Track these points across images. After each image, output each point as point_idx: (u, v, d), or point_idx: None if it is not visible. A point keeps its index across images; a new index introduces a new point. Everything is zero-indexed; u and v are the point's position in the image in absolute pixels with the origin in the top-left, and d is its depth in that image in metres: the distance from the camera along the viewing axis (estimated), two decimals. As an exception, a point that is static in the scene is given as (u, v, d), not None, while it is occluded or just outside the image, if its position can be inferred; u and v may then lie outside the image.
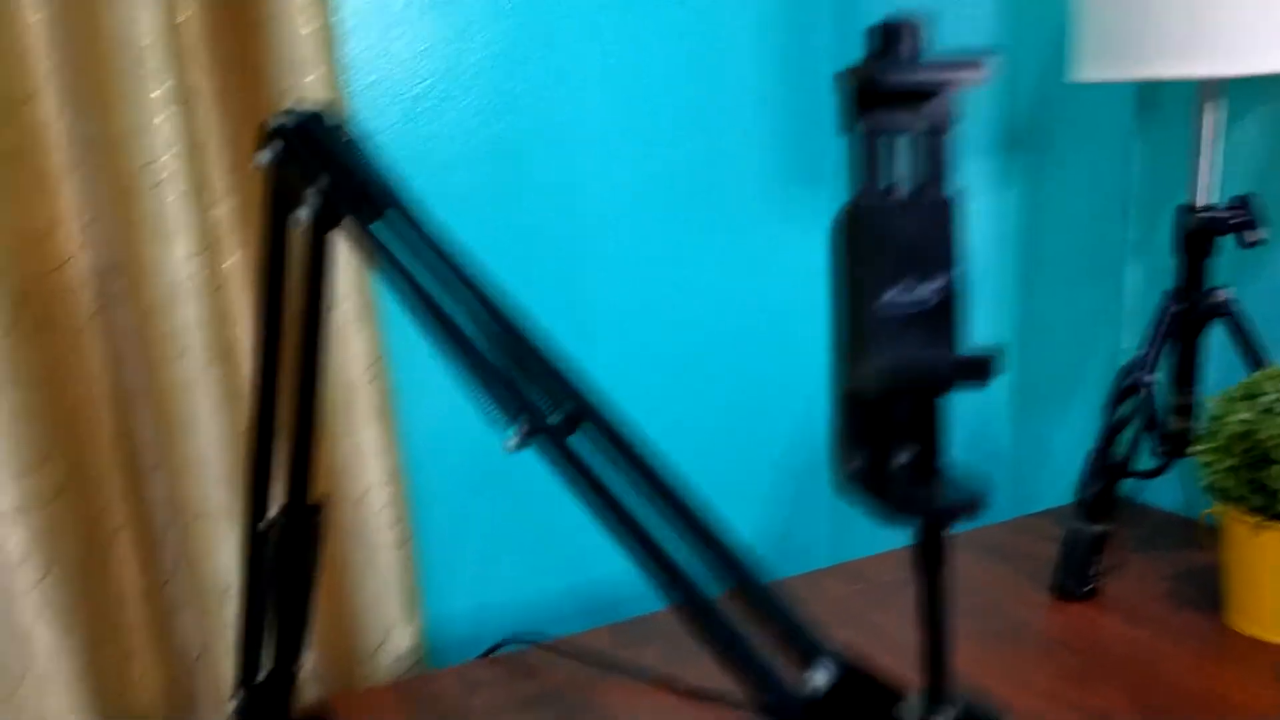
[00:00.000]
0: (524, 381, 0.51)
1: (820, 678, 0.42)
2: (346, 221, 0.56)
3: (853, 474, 0.40)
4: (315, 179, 0.57)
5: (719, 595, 0.46)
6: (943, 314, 0.38)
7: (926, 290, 0.37)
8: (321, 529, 0.69)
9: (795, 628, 0.43)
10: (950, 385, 0.38)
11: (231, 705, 0.74)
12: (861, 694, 0.42)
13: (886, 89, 0.36)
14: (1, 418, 0.90)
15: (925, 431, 0.40)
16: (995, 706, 0.41)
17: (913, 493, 0.39)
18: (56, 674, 0.97)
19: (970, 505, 0.38)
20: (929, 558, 0.40)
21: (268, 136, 0.60)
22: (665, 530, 0.48)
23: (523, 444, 0.49)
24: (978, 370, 0.37)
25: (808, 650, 0.43)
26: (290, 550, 0.66)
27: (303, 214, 0.58)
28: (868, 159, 0.37)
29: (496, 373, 0.51)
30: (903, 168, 0.37)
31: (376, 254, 0.55)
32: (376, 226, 0.56)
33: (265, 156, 0.61)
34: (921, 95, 0.36)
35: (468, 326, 0.53)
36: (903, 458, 0.39)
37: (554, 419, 0.50)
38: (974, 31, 1.27)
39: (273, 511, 0.68)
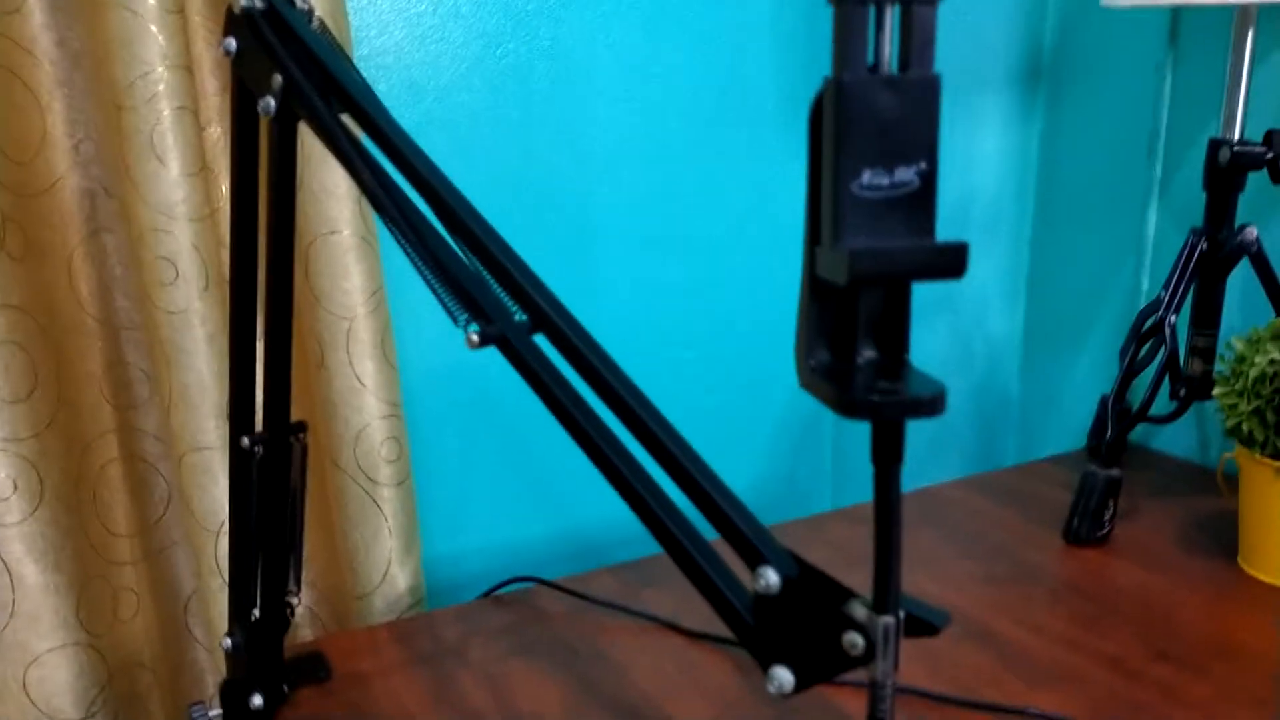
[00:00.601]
0: (488, 283, 0.49)
1: (771, 577, 0.41)
2: (310, 111, 0.54)
3: (815, 368, 0.38)
4: (280, 67, 0.54)
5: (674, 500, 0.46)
6: (922, 199, 0.36)
7: (908, 173, 0.35)
8: (303, 450, 0.67)
9: (747, 529, 0.42)
10: (925, 275, 0.35)
11: (226, 642, 0.72)
12: (812, 593, 0.41)
13: None
14: (-14, 343, 0.87)
15: (892, 326, 0.38)
16: (941, 611, 0.40)
17: (875, 389, 0.37)
18: (44, 611, 0.95)
19: (931, 403, 0.36)
20: (887, 455, 0.38)
21: (234, 22, 0.57)
22: (624, 437, 0.47)
23: (484, 342, 0.47)
24: (953, 261, 0.35)
25: (759, 550, 0.42)
26: (274, 469, 0.64)
27: (268, 103, 0.55)
28: (851, 32, 0.35)
29: (463, 270, 0.49)
30: (887, 48, 0.36)
31: (338, 144, 0.52)
32: (343, 118, 0.54)
33: (232, 44, 0.58)
34: None
35: (433, 222, 0.51)
36: (868, 354, 0.37)
37: (517, 319, 0.49)
38: (997, -41, 1.23)
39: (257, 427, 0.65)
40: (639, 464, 0.47)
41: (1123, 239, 1.22)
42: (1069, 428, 1.32)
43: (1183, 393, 1.01)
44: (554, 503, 1.17)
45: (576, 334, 0.48)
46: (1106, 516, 0.97)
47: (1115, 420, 0.98)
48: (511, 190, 1.10)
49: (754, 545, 0.42)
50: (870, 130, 0.35)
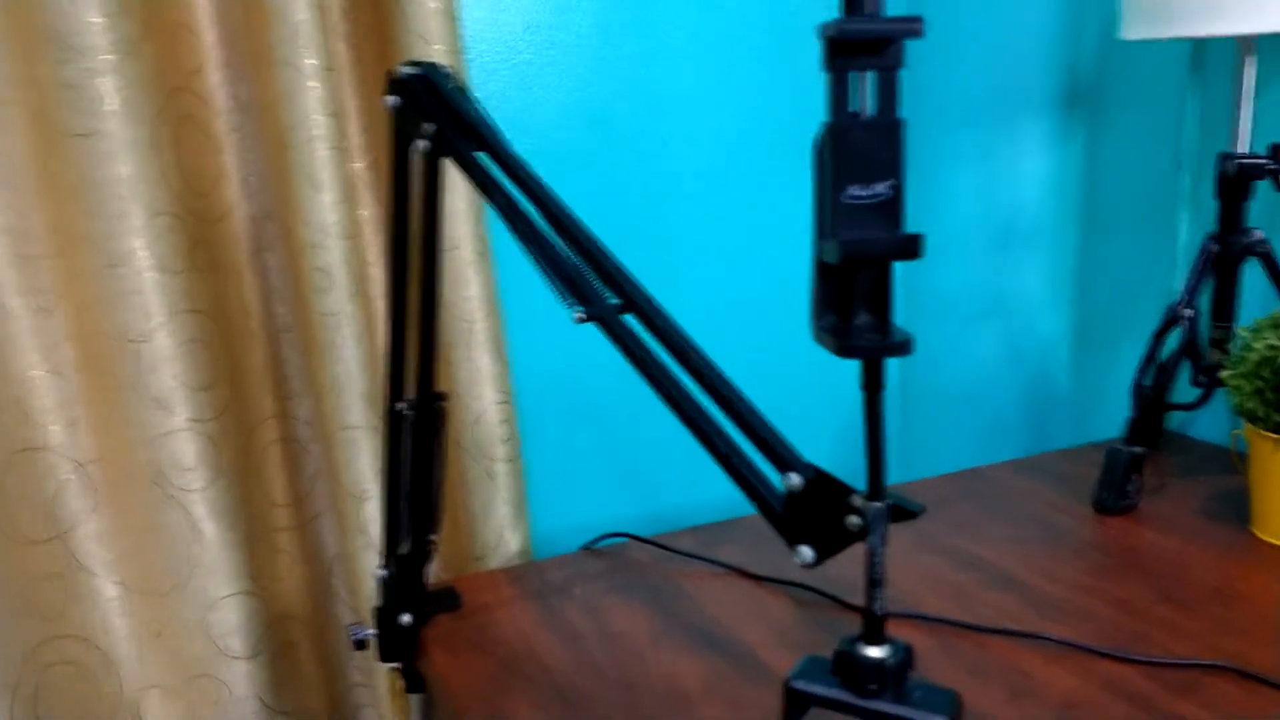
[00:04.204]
0: (589, 274, 0.65)
1: (795, 479, 0.57)
2: (454, 151, 0.71)
3: (823, 327, 0.54)
4: (431, 117, 0.71)
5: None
6: (890, 205, 0.51)
7: (881, 187, 0.50)
8: (444, 415, 0.84)
9: (781, 450, 0.58)
10: (893, 256, 0.51)
11: (379, 572, 0.90)
12: (825, 490, 0.56)
13: (851, 37, 0.49)
14: (181, 341, 1.07)
15: (879, 297, 0.54)
16: (919, 502, 0.55)
17: (864, 339, 0.53)
18: (220, 564, 1.14)
19: (902, 346, 0.52)
20: (872, 384, 0.55)
21: (394, 84, 0.75)
22: (695, 388, 0.63)
23: (587, 318, 0.63)
24: (912, 246, 0.51)
25: (786, 460, 0.57)
26: (422, 429, 0.81)
27: (421, 145, 0.73)
28: (839, 90, 0.50)
29: (569, 266, 0.66)
30: (866, 98, 0.51)
31: (476, 175, 0.70)
32: (478, 156, 0.71)
33: (392, 100, 0.75)
34: (878, 43, 0.49)
35: (547, 231, 0.68)
36: (862, 317, 0.53)
37: (611, 302, 0.65)
38: (1037, -5, 1.36)
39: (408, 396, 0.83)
40: (706, 411, 0.62)
41: (1156, 245, 1.34)
42: (1114, 418, 1.43)
43: (1202, 380, 1.13)
44: (640, 481, 1.33)
45: (655, 313, 0.64)
46: (1130, 488, 1.10)
47: (1137, 401, 1.10)
48: (596, 214, 1.27)
49: (784, 459, 0.57)
50: (852, 159, 0.51)
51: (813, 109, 1.32)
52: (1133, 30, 1.08)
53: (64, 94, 0.97)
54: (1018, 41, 1.38)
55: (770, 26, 1.29)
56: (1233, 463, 1.16)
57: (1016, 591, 0.94)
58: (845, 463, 1.43)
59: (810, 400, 1.41)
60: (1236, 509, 1.09)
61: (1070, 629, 0.87)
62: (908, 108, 1.38)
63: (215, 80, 1.12)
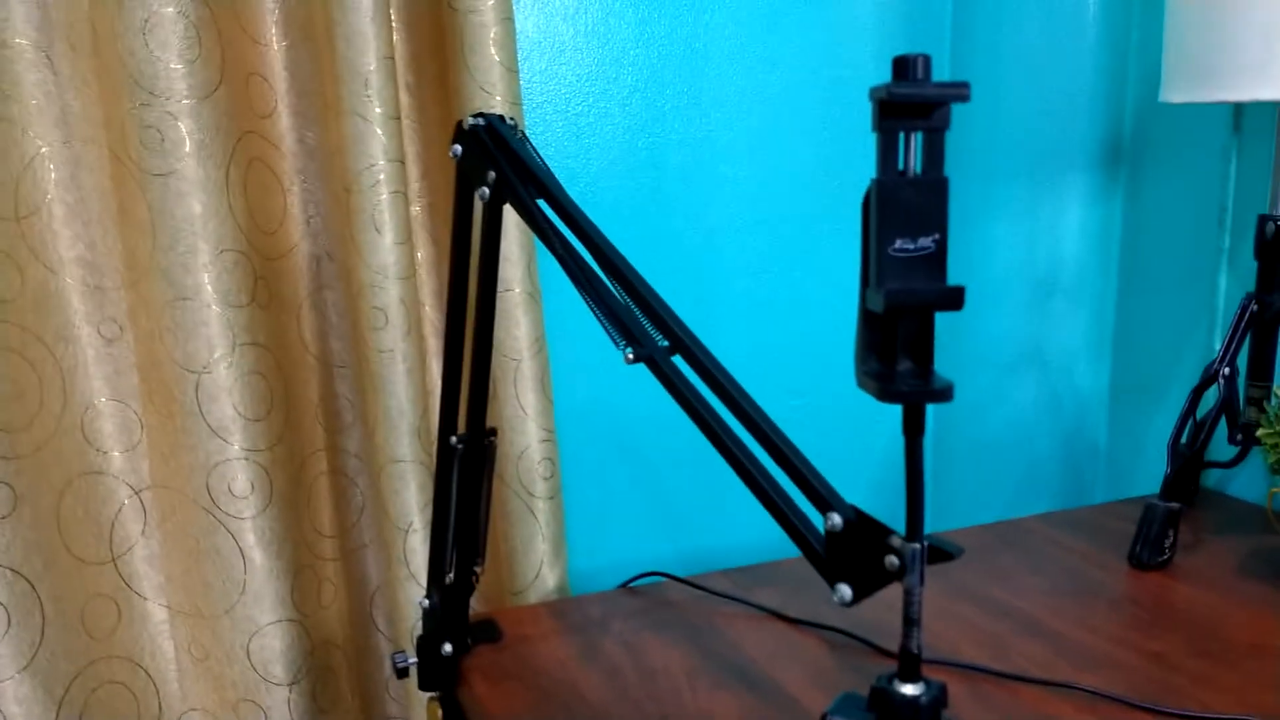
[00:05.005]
0: (639, 316, 0.69)
1: (836, 519, 0.59)
2: (515, 197, 0.75)
3: (867, 372, 0.56)
4: (494, 165, 0.75)
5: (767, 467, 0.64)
6: (934, 259, 0.54)
7: (926, 241, 0.53)
8: (493, 450, 0.87)
9: (823, 490, 0.60)
10: (935, 307, 0.54)
11: (424, 602, 0.92)
12: (865, 531, 0.58)
13: (901, 100, 0.52)
14: (242, 372, 1.11)
15: (921, 345, 0.56)
16: (957, 545, 0.57)
17: (905, 385, 0.55)
18: (267, 591, 1.17)
19: (943, 393, 0.54)
20: (913, 429, 0.57)
21: (460, 134, 0.78)
22: (740, 428, 0.65)
23: (638, 359, 0.66)
24: (955, 297, 0.53)
25: (828, 501, 0.60)
26: (471, 463, 0.84)
27: (484, 192, 0.77)
28: (887, 150, 0.53)
29: (621, 308, 0.69)
30: (914, 157, 0.54)
31: (536, 219, 0.73)
32: (537, 202, 0.75)
33: (458, 150, 0.79)
34: (926, 106, 0.51)
35: (601, 274, 0.71)
36: (904, 364, 0.55)
37: (661, 344, 0.68)
38: (1078, 54, 1.39)
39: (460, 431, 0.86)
40: (751, 452, 0.65)
41: (1197, 302, 1.35)
42: (1151, 474, 1.43)
43: (1239, 438, 1.14)
44: (678, 521, 1.36)
45: (703, 354, 0.67)
46: (1167, 544, 1.10)
47: (1174, 457, 1.11)
48: (644, 261, 1.30)
49: (826, 500, 0.60)
50: (899, 213, 0.54)
51: (857, 164, 1.35)
52: (1174, 94, 1.10)
53: (143, 134, 1.03)
54: (1061, 100, 1.40)
55: (819, 84, 1.33)
56: (1269, 521, 1.17)
57: (1050, 642, 0.95)
58: (880, 509, 1.45)
59: (844, 449, 1.43)
60: (1272, 567, 1.09)
61: (1103, 680, 0.88)
62: (952, 163, 1.41)
63: (285, 125, 1.17)
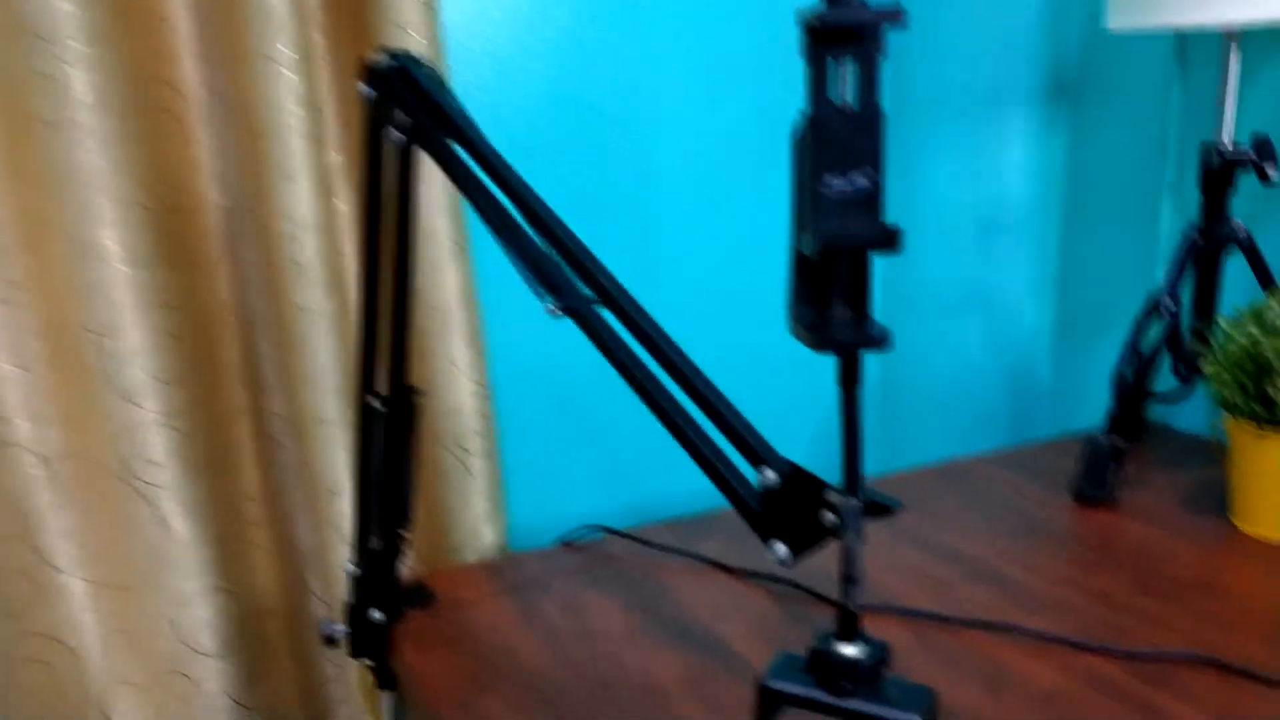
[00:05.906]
0: (564, 267, 0.64)
1: (770, 474, 0.56)
2: (430, 142, 0.70)
3: (799, 320, 0.53)
4: (405, 108, 0.70)
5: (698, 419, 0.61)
6: (870, 198, 0.50)
7: (860, 178, 0.49)
8: (419, 410, 0.83)
9: (757, 445, 0.57)
10: (873, 248, 0.50)
11: (350, 569, 0.88)
12: (801, 486, 0.55)
13: (831, 25, 0.48)
14: (150, 334, 1.05)
15: (857, 289, 0.52)
16: (895, 498, 0.54)
17: (840, 333, 0.52)
18: (190, 560, 1.12)
19: (879, 341, 0.51)
20: (848, 379, 0.54)
21: (369, 74, 0.73)
22: (670, 382, 0.62)
23: (560, 311, 0.62)
24: (891, 237, 0.50)
25: (761, 455, 0.57)
26: (395, 424, 0.80)
27: (394, 134, 0.72)
28: (818, 80, 0.49)
29: (544, 259, 0.65)
30: (846, 88, 0.50)
31: (451, 167, 0.68)
32: (451, 144, 0.70)
33: (367, 90, 0.74)
34: (857, 31, 0.47)
35: (522, 223, 0.66)
36: (839, 310, 0.52)
37: (586, 295, 0.64)
38: (1019, -15, 1.35)
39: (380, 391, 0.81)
40: (681, 405, 0.61)
41: (1140, 236, 1.34)
42: (1096, 409, 1.43)
43: (1183, 370, 1.12)
44: (621, 472, 1.32)
45: (630, 306, 0.63)
46: (1110, 479, 1.09)
47: (1119, 392, 1.10)
48: (579, 210, 1.25)
49: (759, 454, 0.56)
50: (831, 148, 0.50)
51: (799, 102, 1.31)
52: (1118, 20, 1.07)
53: (35, 81, 0.96)
54: (1002, 33, 1.37)
55: (758, 17, 1.27)
56: (1213, 454, 1.16)
57: (996, 584, 0.93)
58: (824, 459, 1.43)
59: (790, 396, 1.40)
60: (1217, 500, 1.09)
61: (1049, 621, 0.86)
62: (890, 100, 1.37)
63: (190, 71, 1.10)
